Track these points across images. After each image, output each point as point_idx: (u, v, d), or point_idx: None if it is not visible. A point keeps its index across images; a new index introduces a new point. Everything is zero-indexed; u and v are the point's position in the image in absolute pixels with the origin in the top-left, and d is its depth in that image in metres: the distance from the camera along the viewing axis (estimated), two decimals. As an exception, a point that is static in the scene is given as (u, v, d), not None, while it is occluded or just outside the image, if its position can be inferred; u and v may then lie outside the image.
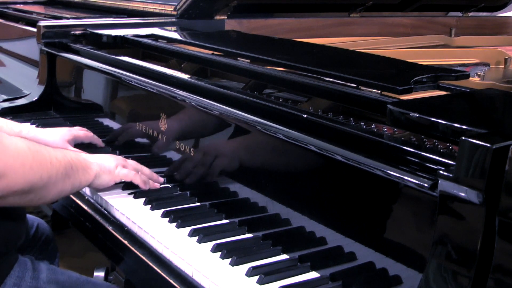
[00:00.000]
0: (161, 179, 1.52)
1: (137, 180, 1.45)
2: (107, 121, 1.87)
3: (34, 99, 2.15)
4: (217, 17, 2.29)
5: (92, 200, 1.50)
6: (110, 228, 1.38)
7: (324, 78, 1.33)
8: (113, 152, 1.75)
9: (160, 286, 1.19)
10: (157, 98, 1.58)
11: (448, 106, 1.14)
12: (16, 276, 1.29)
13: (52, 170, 1.22)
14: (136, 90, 1.71)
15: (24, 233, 1.41)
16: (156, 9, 2.62)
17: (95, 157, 1.42)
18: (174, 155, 1.54)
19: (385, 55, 1.61)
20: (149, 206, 1.41)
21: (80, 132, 1.73)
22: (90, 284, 1.43)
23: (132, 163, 1.48)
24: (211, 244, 1.22)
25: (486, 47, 2.22)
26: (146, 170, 1.50)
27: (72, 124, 2.01)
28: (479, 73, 1.69)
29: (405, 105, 1.08)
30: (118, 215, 1.40)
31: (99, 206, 1.47)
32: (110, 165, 1.42)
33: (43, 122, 2.02)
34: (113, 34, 1.99)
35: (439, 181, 0.88)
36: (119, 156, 1.49)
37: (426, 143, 1.07)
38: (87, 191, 1.54)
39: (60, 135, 1.68)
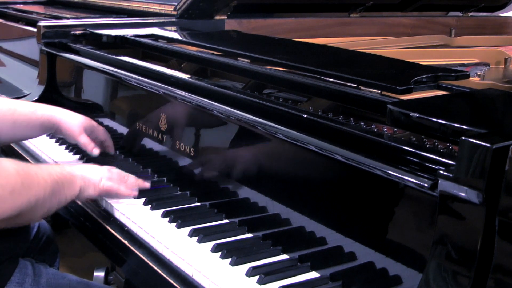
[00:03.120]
0: (148, 185, 1.49)
1: (122, 191, 1.43)
2: (107, 121, 1.86)
3: (34, 99, 2.15)
4: (217, 17, 2.29)
5: (92, 200, 1.50)
6: (110, 228, 1.38)
7: (324, 78, 1.33)
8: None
9: (160, 286, 1.19)
10: (157, 98, 1.58)
11: (448, 106, 1.14)
12: (17, 282, 1.29)
13: (40, 192, 1.21)
14: (136, 90, 1.71)
15: (29, 239, 1.41)
16: (156, 9, 2.62)
17: (80, 169, 1.40)
18: (173, 156, 1.54)
19: (385, 55, 1.61)
20: (149, 206, 1.41)
21: (100, 127, 1.68)
22: (90, 287, 1.43)
23: (116, 173, 1.46)
24: (211, 244, 1.22)
25: (486, 47, 2.22)
26: (131, 178, 1.48)
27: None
28: (479, 73, 1.69)
29: (405, 105, 1.08)
30: (118, 215, 1.40)
31: (99, 206, 1.47)
32: (95, 178, 1.40)
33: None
34: (113, 34, 1.99)
35: (439, 181, 0.88)
36: (105, 167, 1.46)
37: (426, 143, 1.07)
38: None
39: (78, 120, 1.63)
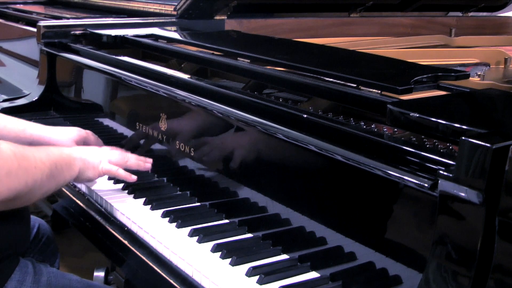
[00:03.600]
0: (150, 161, 1.49)
1: (121, 175, 1.44)
2: (107, 121, 1.87)
3: (34, 99, 2.15)
4: (217, 17, 2.29)
5: (92, 200, 1.50)
6: (110, 228, 1.38)
7: (324, 78, 1.33)
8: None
9: (160, 286, 1.19)
10: (157, 98, 1.58)
11: (448, 106, 1.14)
12: (17, 280, 1.28)
13: (37, 174, 1.20)
14: (136, 90, 1.71)
15: (30, 237, 1.40)
16: (156, 9, 2.62)
17: (79, 151, 1.40)
18: (173, 156, 1.54)
19: (385, 55, 1.61)
20: (149, 206, 1.41)
21: (91, 137, 1.66)
22: (91, 287, 1.42)
23: (118, 153, 1.46)
24: (211, 244, 1.22)
25: (486, 47, 2.22)
26: (132, 157, 1.47)
27: (72, 124, 2.01)
28: (479, 73, 1.69)
29: (405, 105, 1.08)
30: (118, 215, 1.40)
31: (99, 206, 1.47)
32: (94, 161, 1.40)
33: (43, 122, 2.00)
34: (113, 34, 1.99)
35: (439, 181, 0.88)
36: (105, 148, 1.47)
37: (426, 143, 1.07)
38: (87, 191, 1.54)
39: (67, 135, 1.61)
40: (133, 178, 1.45)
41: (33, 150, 1.24)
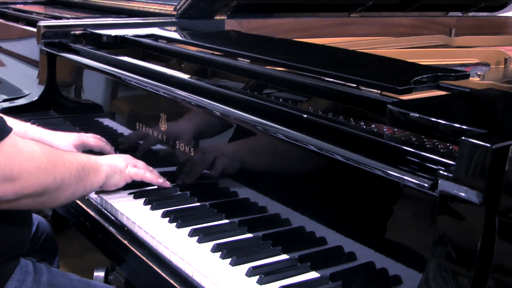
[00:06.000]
0: (168, 184, 1.51)
1: (148, 177, 1.46)
2: (107, 121, 1.86)
3: (34, 99, 2.15)
4: (217, 17, 2.29)
5: (92, 200, 1.50)
6: (110, 228, 1.38)
7: (324, 78, 1.33)
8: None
9: (160, 286, 1.19)
10: (157, 98, 1.58)
11: (448, 106, 1.14)
12: (17, 280, 1.28)
13: (65, 172, 1.22)
14: (136, 90, 1.71)
15: (30, 239, 1.41)
16: (156, 9, 2.62)
17: (105, 158, 1.43)
18: (173, 156, 1.54)
19: (385, 55, 1.61)
20: (149, 206, 1.41)
21: (91, 139, 1.67)
22: (91, 286, 1.42)
23: (142, 162, 1.49)
24: (211, 244, 1.22)
25: (486, 47, 2.22)
26: (155, 172, 1.51)
27: (72, 124, 2.02)
28: (479, 73, 1.69)
29: (405, 105, 1.08)
30: (118, 215, 1.40)
31: (99, 206, 1.47)
32: (121, 165, 1.43)
33: (43, 122, 2.01)
34: (113, 34, 1.99)
35: (439, 181, 0.88)
36: (129, 156, 1.49)
37: (426, 143, 1.07)
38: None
39: (67, 140, 1.63)
40: (160, 180, 1.48)
41: (61, 151, 1.27)
